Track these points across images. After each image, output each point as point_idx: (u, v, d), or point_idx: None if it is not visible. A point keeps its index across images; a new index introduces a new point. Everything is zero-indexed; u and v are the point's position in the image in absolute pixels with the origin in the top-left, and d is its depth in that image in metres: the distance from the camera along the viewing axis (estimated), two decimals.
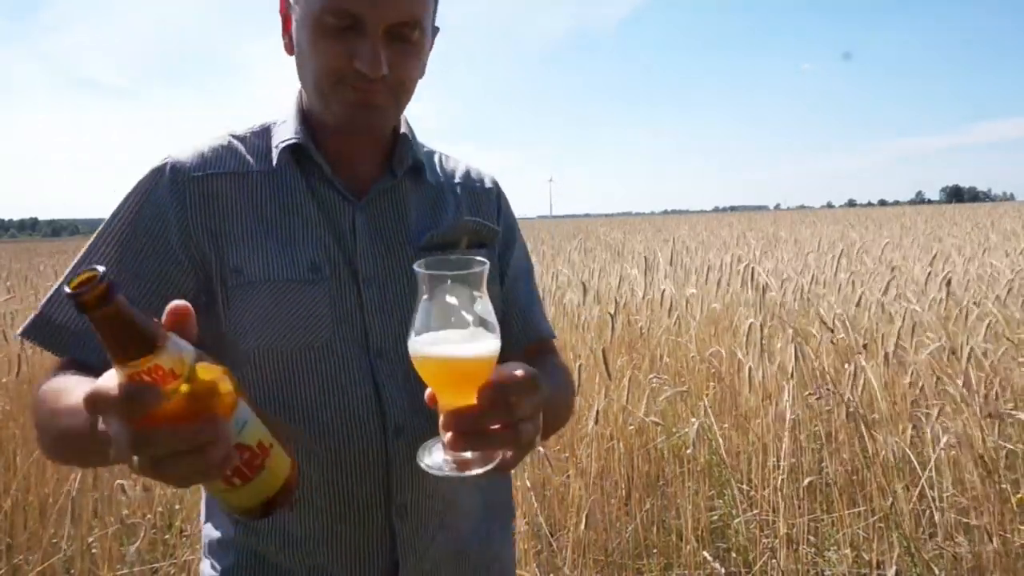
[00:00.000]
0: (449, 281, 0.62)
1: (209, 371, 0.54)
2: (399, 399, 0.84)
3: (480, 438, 0.62)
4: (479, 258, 0.64)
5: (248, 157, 0.88)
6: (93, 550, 2.19)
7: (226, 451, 0.53)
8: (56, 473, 2.53)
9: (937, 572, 1.89)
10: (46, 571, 2.11)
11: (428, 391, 0.64)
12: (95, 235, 0.84)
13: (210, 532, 0.89)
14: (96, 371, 0.72)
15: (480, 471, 0.62)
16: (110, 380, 0.52)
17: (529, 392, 0.63)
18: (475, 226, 0.94)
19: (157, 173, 0.84)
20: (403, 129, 0.91)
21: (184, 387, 0.52)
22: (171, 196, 0.82)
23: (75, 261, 0.82)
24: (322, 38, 0.79)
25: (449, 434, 0.61)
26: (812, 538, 2.20)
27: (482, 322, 0.62)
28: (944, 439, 2.08)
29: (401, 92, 0.83)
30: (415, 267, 0.62)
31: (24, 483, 2.48)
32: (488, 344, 0.62)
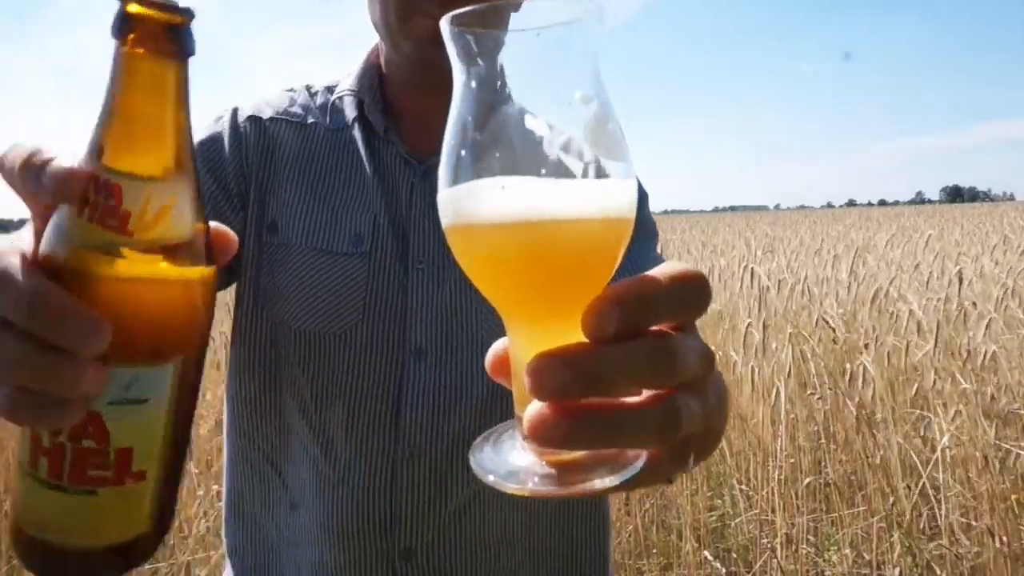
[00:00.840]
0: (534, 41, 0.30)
1: (191, 279, 0.35)
2: (420, 416, 0.69)
3: (605, 417, 0.29)
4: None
5: (313, 107, 0.80)
6: None
7: (83, 386, 0.32)
8: None
9: (939, 572, 1.89)
10: None
11: (496, 351, 0.34)
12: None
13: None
14: None
15: (598, 486, 0.30)
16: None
17: (692, 317, 0.33)
18: None
19: (220, 115, 0.79)
20: None
21: (131, 257, 0.32)
22: (230, 132, 0.76)
23: None
24: None
25: (537, 409, 0.29)
26: (812, 538, 2.20)
27: (601, 150, 0.31)
28: (944, 438, 2.07)
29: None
30: (442, 23, 0.32)
31: None
32: (621, 193, 0.31)
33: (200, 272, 0.35)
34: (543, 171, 0.30)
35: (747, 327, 2.63)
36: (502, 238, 0.31)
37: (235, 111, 0.79)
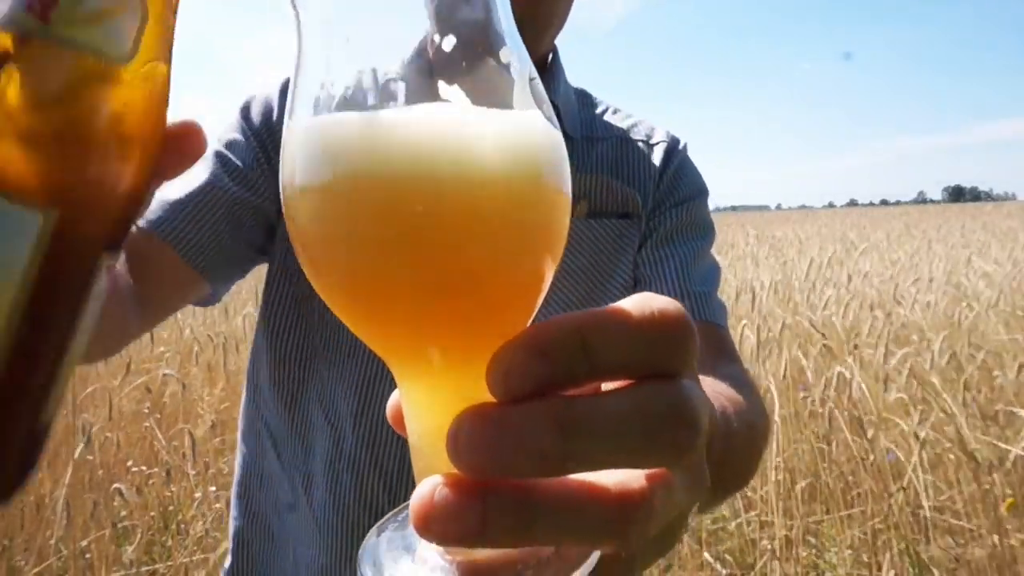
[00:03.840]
0: None
1: (138, 80, 0.25)
2: None
3: (535, 500, 0.21)
4: None
5: None
6: (87, 555, 2.18)
7: None
8: (53, 474, 2.53)
9: (936, 574, 1.88)
10: (43, 573, 2.10)
11: (394, 403, 0.26)
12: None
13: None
14: (180, 261, 0.68)
15: None
16: None
17: (677, 359, 0.23)
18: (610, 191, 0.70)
19: (244, 104, 0.77)
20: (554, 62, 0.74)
21: (34, 44, 0.23)
22: (242, 124, 0.74)
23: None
24: None
25: (429, 488, 0.21)
26: (812, 539, 2.20)
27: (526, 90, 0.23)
28: (922, 435, 2.07)
29: None
30: None
31: None
32: (548, 145, 0.23)
33: (123, 99, 0.25)
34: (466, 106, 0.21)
35: (742, 327, 2.63)
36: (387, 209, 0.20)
37: (255, 97, 0.77)
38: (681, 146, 0.77)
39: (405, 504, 0.24)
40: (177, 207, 0.68)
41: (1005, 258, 5.82)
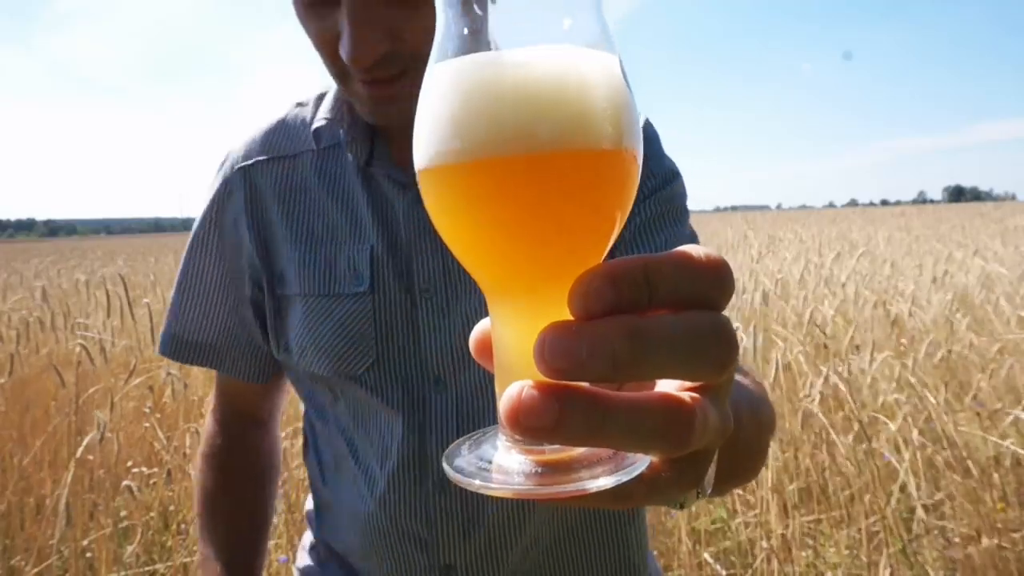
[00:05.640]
0: None
1: None
2: (446, 446, 0.67)
3: (602, 405, 0.24)
4: None
5: (300, 133, 0.74)
6: (88, 554, 2.19)
7: None
8: (52, 475, 2.53)
9: (932, 574, 1.89)
10: (43, 573, 2.11)
11: (480, 330, 0.31)
12: (189, 244, 0.79)
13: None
14: (247, 383, 0.79)
15: (590, 486, 0.26)
16: None
17: (719, 295, 0.27)
18: None
19: (220, 170, 0.77)
20: None
21: None
22: (237, 195, 0.74)
23: (180, 271, 0.79)
24: (305, 18, 0.59)
25: (518, 389, 0.25)
26: (811, 540, 2.20)
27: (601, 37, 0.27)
28: (915, 436, 2.07)
29: (422, 62, 0.66)
30: None
31: (20, 484, 2.48)
32: (624, 101, 0.27)
33: None
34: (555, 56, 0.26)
35: (740, 328, 2.63)
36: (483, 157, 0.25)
37: (230, 164, 0.76)
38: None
39: (478, 431, 0.32)
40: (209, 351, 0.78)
41: (1008, 257, 5.82)
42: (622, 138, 0.26)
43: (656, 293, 0.25)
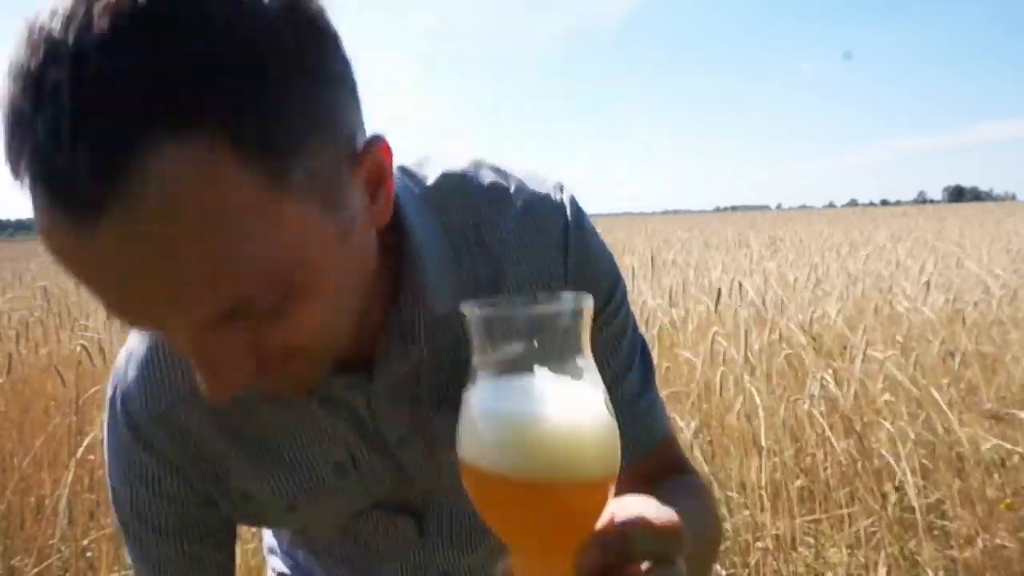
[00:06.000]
0: (535, 325, 0.35)
1: None
2: (443, 555, 0.71)
3: None
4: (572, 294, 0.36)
5: None
6: (88, 553, 2.19)
7: None
8: (52, 475, 2.53)
9: (931, 574, 1.89)
10: (43, 572, 2.11)
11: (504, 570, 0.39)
12: (117, 518, 0.70)
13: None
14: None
15: None
16: None
17: (675, 551, 0.39)
18: None
19: (113, 423, 0.63)
20: (413, 277, 0.55)
21: None
22: (142, 448, 0.62)
23: (127, 546, 0.72)
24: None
25: None
26: (811, 540, 2.20)
27: (594, 402, 0.37)
28: (913, 435, 2.07)
29: (310, 350, 0.47)
30: (463, 309, 0.36)
31: (20, 484, 2.48)
32: (611, 441, 0.37)
33: None
34: (562, 418, 0.36)
35: (736, 327, 2.63)
36: (512, 484, 0.36)
37: (127, 417, 0.61)
38: (567, 223, 0.60)
39: None
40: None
41: (1008, 259, 5.82)
42: (614, 469, 0.37)
43: (632, 555, 0.36)
